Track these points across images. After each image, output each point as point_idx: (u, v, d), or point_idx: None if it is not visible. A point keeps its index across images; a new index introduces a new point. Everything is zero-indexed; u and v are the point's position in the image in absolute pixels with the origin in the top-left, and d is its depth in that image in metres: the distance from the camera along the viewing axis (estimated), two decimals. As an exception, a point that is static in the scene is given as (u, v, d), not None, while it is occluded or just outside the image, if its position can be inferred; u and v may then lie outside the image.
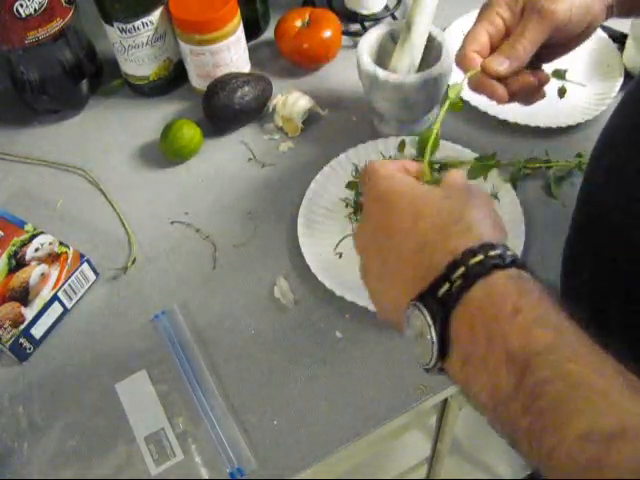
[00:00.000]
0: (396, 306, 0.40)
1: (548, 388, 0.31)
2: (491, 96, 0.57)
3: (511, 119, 0.79)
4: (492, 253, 0.36)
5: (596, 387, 0.30)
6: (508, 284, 0.35)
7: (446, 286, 0.36)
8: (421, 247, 0.39)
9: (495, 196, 0.72)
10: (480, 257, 0.36)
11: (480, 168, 0.74)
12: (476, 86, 0.57)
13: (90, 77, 0.88)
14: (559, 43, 0.58)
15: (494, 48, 0.57)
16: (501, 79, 0.56)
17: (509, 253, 0.37)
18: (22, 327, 0.65)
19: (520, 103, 0.61)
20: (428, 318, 0.36)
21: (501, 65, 0.55)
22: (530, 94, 0.59)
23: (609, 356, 0.32)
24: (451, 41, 0.77)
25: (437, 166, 0.74)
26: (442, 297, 0.36)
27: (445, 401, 0.79)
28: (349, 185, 0.75)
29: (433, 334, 0.36)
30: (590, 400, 0.30)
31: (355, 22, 0.94)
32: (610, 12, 0.57)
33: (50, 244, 0.70)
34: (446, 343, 0.36)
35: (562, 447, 0.30)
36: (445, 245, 0.38)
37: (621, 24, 0.85)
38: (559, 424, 0.30)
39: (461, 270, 0.36)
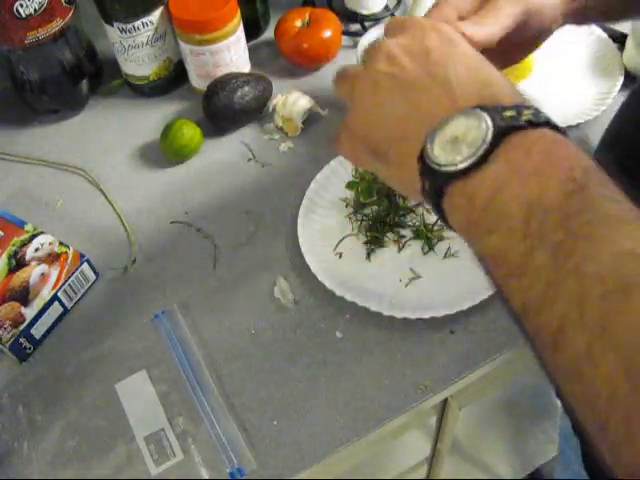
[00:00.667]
0: (421, 118, 0.38)
1: (606, 203, 0.30)
2: None
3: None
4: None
5: None
6: (571, 141, 0.35)
7: (512, 112, 0.34)
8: (483, 80, 0.37)
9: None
10: (547, 113, 0.35)
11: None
12: None
13: (90, 77, 0.88)
14: (526, 36, 0.51)
15: None
16: None
17: None
18: (22, 327, 0.65)
19: None
20: (488, 121, 0.34)
21: (477, 28, 0.45)
22: None
23: None
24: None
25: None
26: (507, 118, 0.34)
27: (445, 401, 0.79)
28: (349, 185, 0.75)
29: (489, 135, 0.34)
30: None
31: (355, 22, 0.94)
32: (564, 19, 0.52)
33: (50, 244, 0.70)
34: (488, 154, 0.34)
35: (599, 258, 0.28)
36: (510, 89, 0.37)
37: (621, 24, 0.85)
38: (605, 237, 0.29)
39: (530, 111, 0.34)
